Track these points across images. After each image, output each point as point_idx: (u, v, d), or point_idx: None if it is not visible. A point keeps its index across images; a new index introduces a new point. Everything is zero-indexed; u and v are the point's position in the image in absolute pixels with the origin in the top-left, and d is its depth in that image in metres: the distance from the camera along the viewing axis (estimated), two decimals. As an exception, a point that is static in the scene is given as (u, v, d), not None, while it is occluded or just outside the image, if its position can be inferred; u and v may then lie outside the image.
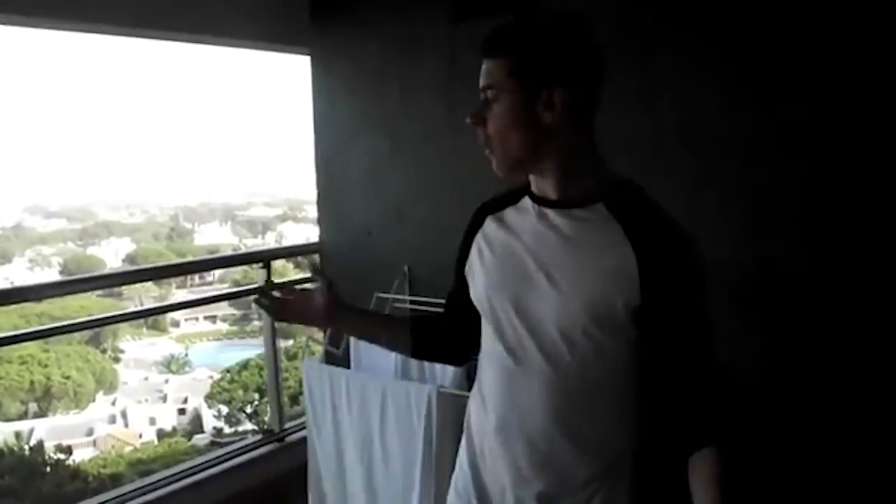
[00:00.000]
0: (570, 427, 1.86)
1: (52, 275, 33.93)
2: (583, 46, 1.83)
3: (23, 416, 24.19)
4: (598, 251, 1.81)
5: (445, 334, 2.25)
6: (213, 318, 35.21)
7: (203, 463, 4.18)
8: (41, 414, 24.63)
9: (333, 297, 2.21)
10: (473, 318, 2.05)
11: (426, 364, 3.51)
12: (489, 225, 2.01)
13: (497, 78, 1.79)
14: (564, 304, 1.81)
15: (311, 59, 4.31)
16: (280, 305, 2.28)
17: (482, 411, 2.00)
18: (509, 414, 1.90)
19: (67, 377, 24.84)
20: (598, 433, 1.89)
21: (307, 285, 2.30)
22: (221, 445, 4.46)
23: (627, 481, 1.92)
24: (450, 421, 3.18)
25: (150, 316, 20.99)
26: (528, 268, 1.86)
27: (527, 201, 1.95)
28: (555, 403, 1.85)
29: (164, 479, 4.00)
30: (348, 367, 3.78)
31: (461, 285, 2.08)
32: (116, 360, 30.44)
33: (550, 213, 1.87)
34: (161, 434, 24.68)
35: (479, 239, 2.02)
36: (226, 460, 4.26)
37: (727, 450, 1.82)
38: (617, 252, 1.79)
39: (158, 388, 29.72)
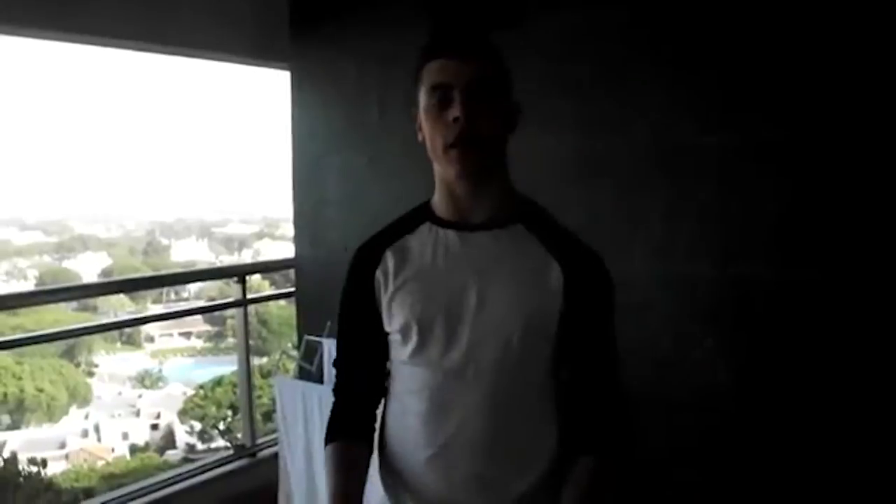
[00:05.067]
0: (508, 442, 1.88)
1: (27, 287, 33.73)
2: None
3: (-5, 427, 24.02)
4: (530, 270, 1.86)
5: (366, 402, 2.09)
6: (187, 335, 34.97)
7: (174, 476, 4.18)
8: (14, 426, 24.42)
9: None
10: (381, 361, 2.04)
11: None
12: (391, 258, 1.96)
13: (488, 75, 1.81)
14: (502, 322, 1.83)
15: (291, 74, 4.32)
16: None
17: (403, 444, 1.98)
18: (443, 440, 1.88)
19: (41, 390, 24.63)
20: (530, 444, 1.92)
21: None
22: (193, 462, 4.43)
23: (550, 489, 1.91)
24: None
25: (125, 328, 20.98)
26: (457, 289, 1.86)
27: (432, 227, 1.94)
28: (494, 420, 1.86)
29: (136, 491, 3.99)
30: (321, 382, 3.77)
31: (366, 327, 2.01)
32: (90, 374, 30.17)
33: (473, 235, 1.89)
34: (133, 449, 24.48)
35: (380, 273, 1.96)
36: (197, 474, 4.26)
37: (611, 467, 1.86)
38: (547, 270, 1.85)
39: (132, 402, 29.47)
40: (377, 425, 2.12)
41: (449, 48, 1.83)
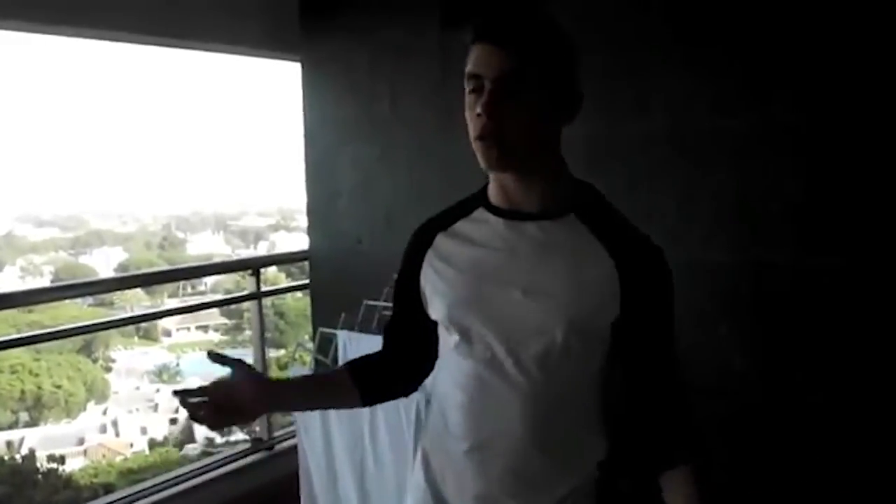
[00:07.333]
0: (547, 441, 1.84)
1: (43, 283, 33.79)
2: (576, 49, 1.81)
3: (13, 425, 24.08)
4: (579, 264, 1.80)
5: (391, 370, 2.14)
6: (204, 328, 35.03)
7: (193, 471, 4.20)
8: (32, 423, 24.51)
9: (257, 378, 1.99)
10: (424, 343, 2.02)
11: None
12: (442, 241, 1.95)
13: (523, 65, 1.70)
14: (545, 317, 1.78)
15: (302, 66, 4.31)
16: (209, 409, 1.89)
17: (445, 435, 1.97)
18: (483, 435, 1.87)
19: (58, 386, 24.71)
20: (572, 446, 1.89)
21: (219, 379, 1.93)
22: (212, 456, 4.46)
23: (594, 496, 1.89)
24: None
25: (141, 322, 21.03)
26: (501, 281, 1.82)
27: (485, 213, 1.90)
28: (533, 417, 1.82)
29: (154, 486, 4.00)
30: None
31: (410, 310, 2.01)
32: (108, 369, 30.26)
33: (522, 224, 1.83)
34: (152, 444, 24.56)
35: (430, 257, 1.95)
36: (215, 468, 4.27)
37: (700, 468, 1.84)
38: (598, 265, 1.79)
39: (150, 397, 29.54)
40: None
41: (485, 31, 1.75)
